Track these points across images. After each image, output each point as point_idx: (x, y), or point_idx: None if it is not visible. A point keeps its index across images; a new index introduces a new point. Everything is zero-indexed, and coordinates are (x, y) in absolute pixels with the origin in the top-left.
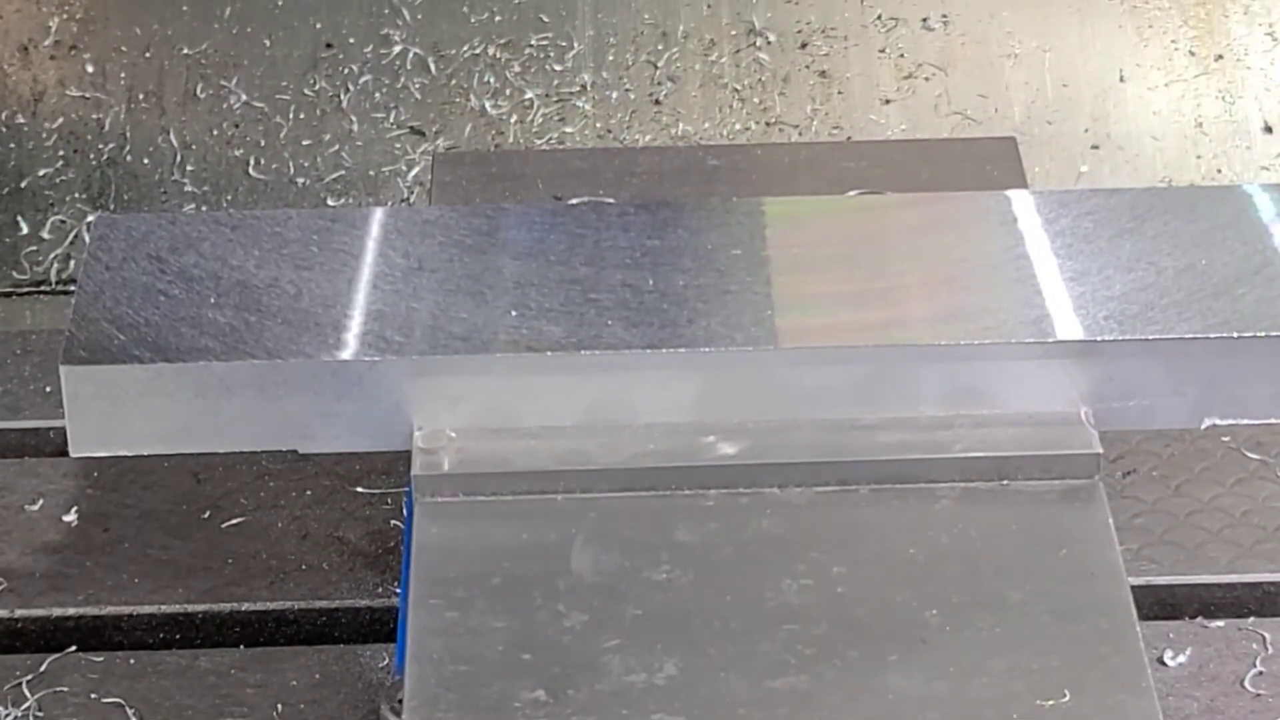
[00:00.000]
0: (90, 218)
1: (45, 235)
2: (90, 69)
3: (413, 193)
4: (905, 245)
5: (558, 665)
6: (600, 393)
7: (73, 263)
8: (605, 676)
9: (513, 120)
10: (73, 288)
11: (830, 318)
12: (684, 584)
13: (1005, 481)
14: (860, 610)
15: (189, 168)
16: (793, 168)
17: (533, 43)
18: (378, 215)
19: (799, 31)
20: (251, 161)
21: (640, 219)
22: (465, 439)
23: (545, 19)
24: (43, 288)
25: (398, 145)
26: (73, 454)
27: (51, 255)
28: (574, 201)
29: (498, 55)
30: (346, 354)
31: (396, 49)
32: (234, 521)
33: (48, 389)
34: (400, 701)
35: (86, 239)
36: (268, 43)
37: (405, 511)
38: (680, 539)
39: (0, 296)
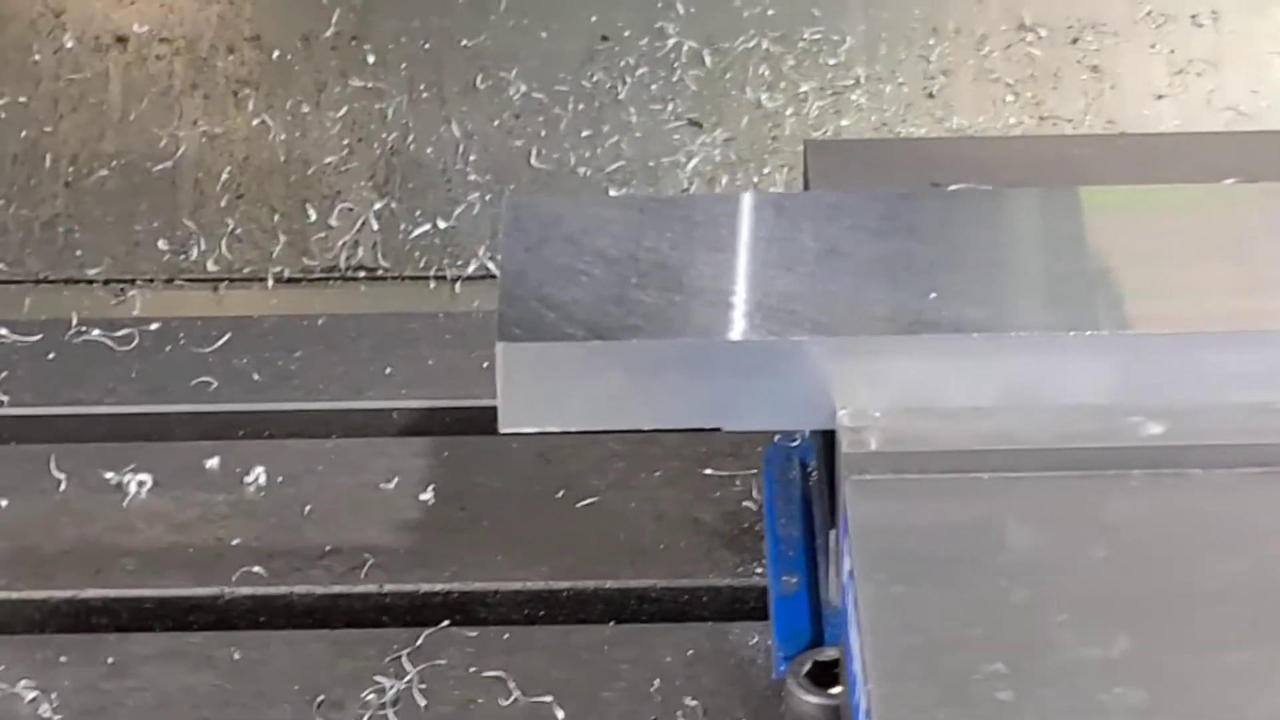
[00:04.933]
0: (377, 205)
1: (333, 222)
2: (371, 60)
3: (692, 183)
4: None
5: (1010, 638)
6: (1022, 374)
7: (360, 250)
8: (1059, 650)
9: (789, 113)
10: (360, 274)
11: (1241, 301)
12: (1120, 562)
13: None
14: None
15: (471, 157)
16: (1164, 156)
17: (805, 37)
18: (781, 200)
19: (1069, 27)
20: (533, 151)
21: (1038, 204)
22: (889, 418)
23: (817, 13)
24: (332, 274)
25: (676, 136)
26: (502, 430)
27: (340, 242)
28: (953, 188)
29: (771, 49)
30: (773, 334)
31: (671, 42)
32: (587, 501)
33: (387, 370)
34: (806, 675)
35: (374, 225)
36: (544, 35)
37: (765, 493)
38: (1109, 518)
39: (288, 283)
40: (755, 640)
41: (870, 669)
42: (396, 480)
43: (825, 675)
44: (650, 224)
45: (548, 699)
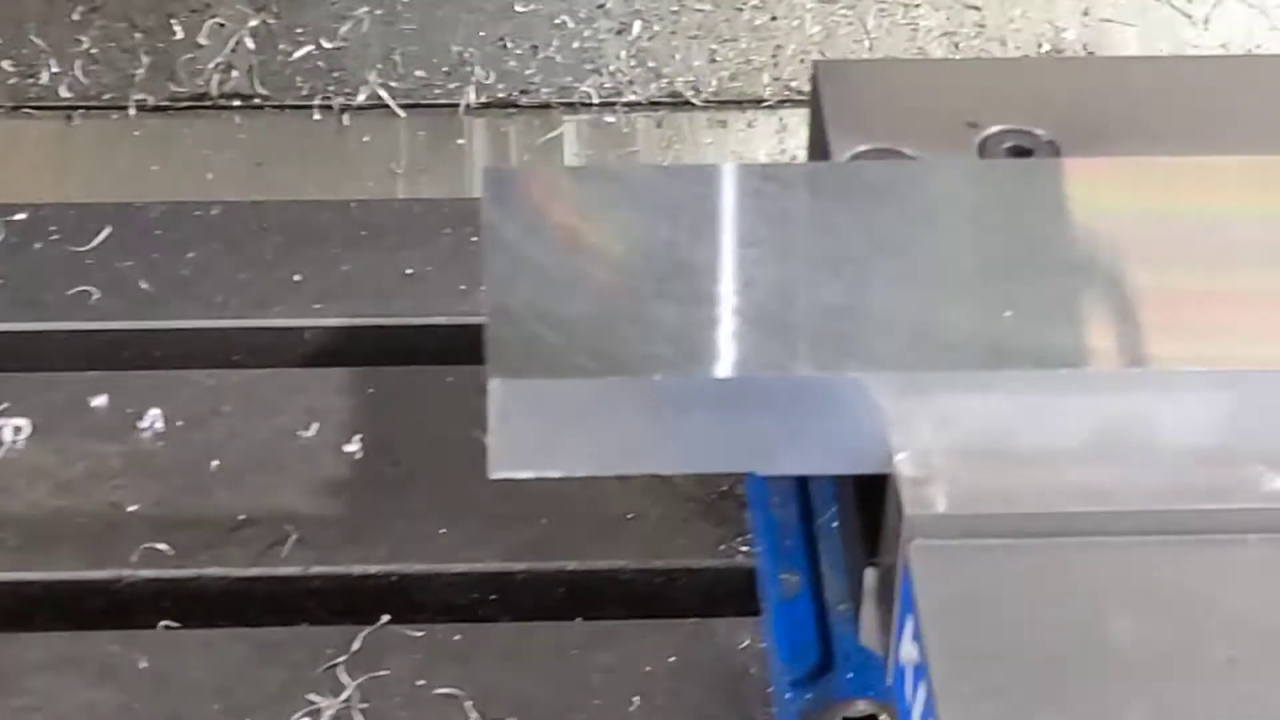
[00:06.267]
0: (252, 21)
1: (202, 41)
2: None
3: None
4: None
5: None
6: (1118, 415)
7: (234, 73)
8: None
9: None
10: (237, 103)
11: None
12: (1250, 665)
13: None
14: None
15: None
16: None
17: None
18: (809, 171)
19: None
20: None
21: (1113, 178)
22: (957, 466)
23: None
24: (204, 102)
25: None
26: (492, 476)
27: (211, 64)
28: (992, 131)
29: None
30: (819, 367)
31: None
32: None
33: (295, 276)
34: None
35: (249, 45)
36: None
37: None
38: (1229, 602)
39: (155, 111)
40: (746, 644)
41: None
42: (317, 427)
43: None
44: (664, 205)
45: None
